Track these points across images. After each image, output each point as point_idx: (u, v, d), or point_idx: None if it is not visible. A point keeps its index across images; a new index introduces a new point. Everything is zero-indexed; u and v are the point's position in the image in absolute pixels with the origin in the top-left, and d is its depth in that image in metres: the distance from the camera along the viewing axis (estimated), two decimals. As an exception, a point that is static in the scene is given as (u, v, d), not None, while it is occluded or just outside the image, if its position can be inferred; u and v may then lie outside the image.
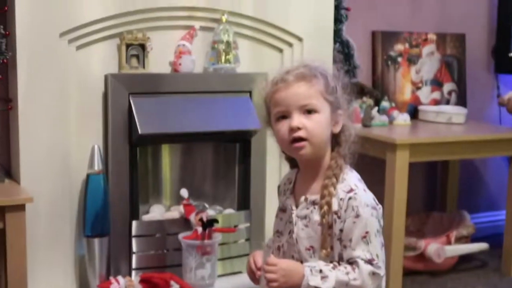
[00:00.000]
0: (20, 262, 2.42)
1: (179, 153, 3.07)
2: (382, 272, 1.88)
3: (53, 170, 2.65)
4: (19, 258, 2.41)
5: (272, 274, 1.86)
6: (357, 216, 1.85)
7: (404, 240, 3.04)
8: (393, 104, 3.57)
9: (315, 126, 1.90)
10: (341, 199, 1.88)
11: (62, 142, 2.67)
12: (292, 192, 2.03)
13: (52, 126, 2.64)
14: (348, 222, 1.86)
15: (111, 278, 2.68)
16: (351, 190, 1.88)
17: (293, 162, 2.07)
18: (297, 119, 1.89)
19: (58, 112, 2.65)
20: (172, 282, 2.67)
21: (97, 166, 2.67)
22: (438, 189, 3.85)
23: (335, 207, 1.88)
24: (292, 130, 1.89)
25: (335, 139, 1.97)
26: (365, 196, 1.89)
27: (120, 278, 2.69)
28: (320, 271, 1.85)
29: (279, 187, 2.12)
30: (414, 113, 3.69)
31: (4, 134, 2.78)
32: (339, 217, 1.88)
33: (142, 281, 2.72)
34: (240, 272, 2.97)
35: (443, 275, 3.19)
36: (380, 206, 1.93)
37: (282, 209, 2.06)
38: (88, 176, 2.67)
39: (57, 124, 2.65)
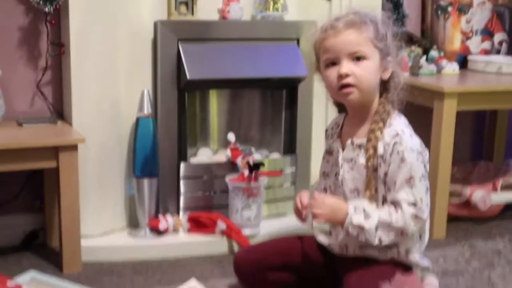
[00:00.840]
0: (73, 200, 2.50)
1: (226, 99, 3.11)
2: (425, 215, 1.91)
3: (104, 113, 2.71)
4: (72, 196, 2.49)
5: (319, 209, 1.92)
6: (402, 160, 1.89)
7: (450, 187, 3.05)
8: (442, 54, 3.54)
9: (364, 72, 1.92)
10: (387, 143, 1.91)
11: (112, 86, 2.72)
12: (339, 135, 2.07)
13: (103, 70, 2.69)
14: (393, 166, 1.90)
15: (160, 217, 2.76)
16: (397, 135, 1.91)
17: (341, 107, 2.11)
18: (346, 66, 1.92)
19: (109, 57, 2.70)
20: (219, 222, 2.74)
21: (147, 109, 2.72)
22: (485, 138, 3.83)
23: (380, 151, 1.92)
24: (341, 76, 1.92)
25: (384, 85, 2.00)
26: (411, 141, 1.91)
27: (168, 216, 2.77)
28: (364, 210, 1.90)
29: (326, 130, 2.16)
30: (463, 63, 3.64)
31: (56, 78, 2.84)
32: (384, 161, 1.91)
33: (190, 220, 2.80)
34: (285, 215, 3.03)
35: (488, 222, 3.19)
36: (426, 151, 1.96)
37: (329, 152, 2.10)
38: (137, 119, 2.73)
39: (107, 69, 2.70)
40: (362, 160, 1.95)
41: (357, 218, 1.90)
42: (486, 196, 3.13)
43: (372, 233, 1.90)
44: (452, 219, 3.10)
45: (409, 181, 1.89)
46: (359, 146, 1.97)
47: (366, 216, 1.90)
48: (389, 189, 1.92)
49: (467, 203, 3.16)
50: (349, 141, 2.00)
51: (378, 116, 1.95)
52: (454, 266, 2.59)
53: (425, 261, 2.08)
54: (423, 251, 2.10)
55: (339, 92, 1.95)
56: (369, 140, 1.93)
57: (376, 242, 1.91)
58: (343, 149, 2.03)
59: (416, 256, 2.03)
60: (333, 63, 1.94)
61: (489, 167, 3.55)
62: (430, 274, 2.14)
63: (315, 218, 1.94)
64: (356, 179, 1.98)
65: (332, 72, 1.94)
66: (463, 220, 3.18)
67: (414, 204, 1.89)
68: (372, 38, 1.92)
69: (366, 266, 2.00)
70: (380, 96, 2.00)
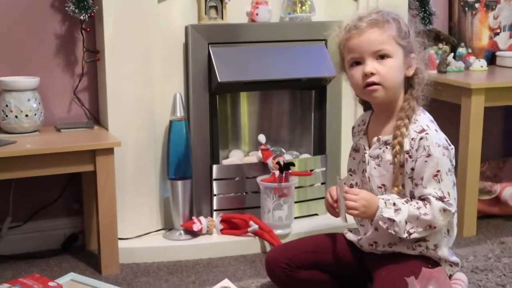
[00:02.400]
0: (110, 203, 2.57)
1: (257, 101, 3.16)
2: (453, 209, 1.94)
3: (138, 117, 2.78)
4: (109, 198, 2.57)
5: (353, 203, 1.95)
6: (429, 155, 1.92)
7: (480, 184, 3.05)
8: (470, 50, 3.54)
9: (388, 71, 1.96)
10: (412, 139, 1.94)
11: (146, 91, 2.79)
12: (366, 132, 2.10)
13: (137, 75, 2.76)
14: (419, 161, 1.93)
15: (194, 218, 2.83)
16: (422, 131, 1.94)
17: (367, 105, 2.14)
18: (371, 65, 1.96)
19: (142, 62, 2.77)
20: (251, 222, 2.79)
21: (179, 112, 2.79)
22: (516, 135, 3.83)
23: (406, 147, 1.95)
24: (366, 75, 1.96)
25: (409, 82, 2.03)
26: (436, 136, 1.94)
27: (202, 218, 2.83)
28: (394, 204, 1.93)
29: (353, 128, 2.19)
30: (491, 59, 3.65)
31: (92, 84, 2.92)
32: (410, 157, 1.95)
33: (222, 221, 2.86)
34: (316, 215, 3.07)
35: (519, 219, 3.20)
36: (452, 146, 1.98)
37: (355, 149, 2.14)
38: (171, 122, 2.80)
39: (141, 74, 2.77)
40: (388, 156, 1.99)
41: (387, 212, 1.92)
42: (516, 193, 3.14)
43: (402, 226, 1.92)
44: (482, 216, 3.11)
45: (436, 176, 1.92)
46: (385, 143, 2.00)
47: (396, 210, 1.92)
48: (416, 184, 1.95)
49: (497, 200, 3.16)
50: (375, 138, 2.03)
51: (403, 112, 1.98)
52: (484, 263, 2.59)
53: (454, 257, 2.11)
54: (451, 247, 2.12)
55: (364, 91, 1.99)
56: (395, 136, 1.96)
57: (404, 235, 1.94)
58: (369, 146, 2.06)
59: (445, 251, 2.06)
60: (358, 62, 1.98)
61: (520, 163, 3.54)
62: (459, 270, 2.15)
63: (349, 211, 1.97)
64: (383, 175, 2.01)
65: (357, 71, 1.98)
66: (494, 217, 3.19)
67: (442, 199, 1.92)
68: (395, 36, 1.96)
69: (395, 262, 2.03)
70: (405, 92, 2.03)
